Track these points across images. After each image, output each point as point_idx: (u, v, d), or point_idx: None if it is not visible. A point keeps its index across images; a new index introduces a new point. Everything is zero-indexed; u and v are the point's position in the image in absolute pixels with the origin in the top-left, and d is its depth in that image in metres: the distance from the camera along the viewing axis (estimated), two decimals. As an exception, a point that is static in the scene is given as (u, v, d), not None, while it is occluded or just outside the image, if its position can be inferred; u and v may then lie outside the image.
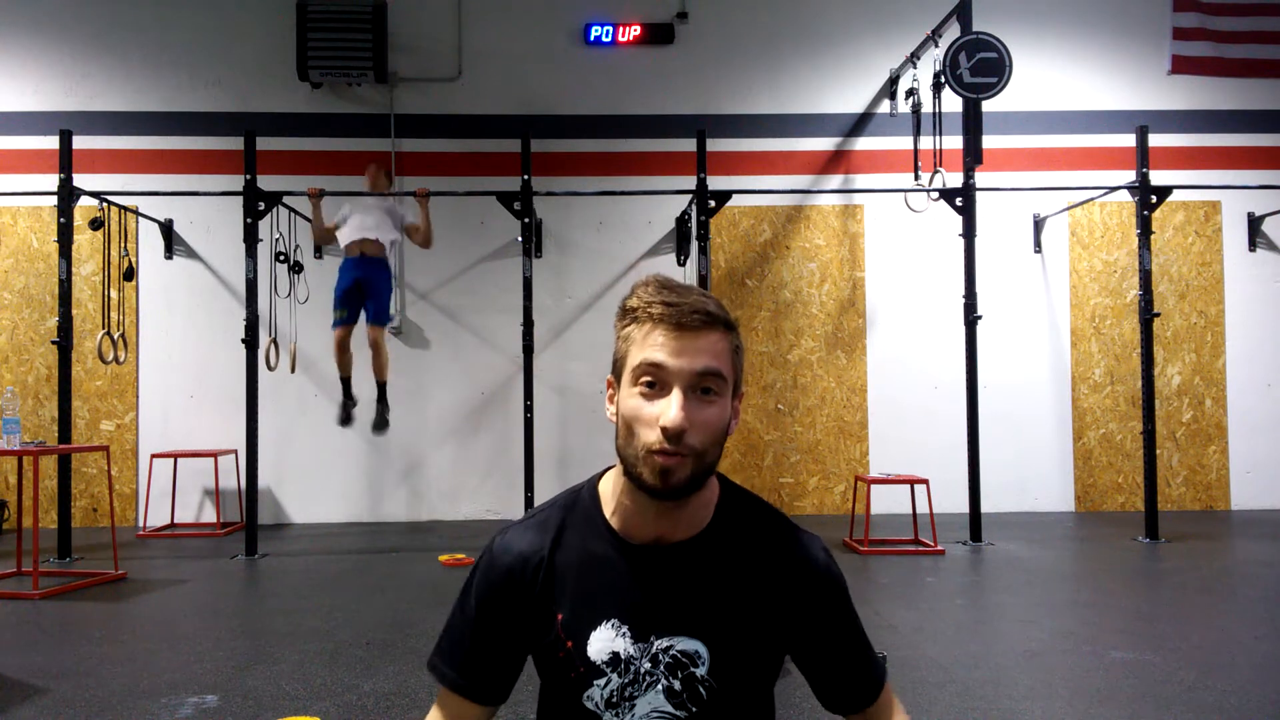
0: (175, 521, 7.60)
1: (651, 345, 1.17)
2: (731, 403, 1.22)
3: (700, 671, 1.21)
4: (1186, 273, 8.15)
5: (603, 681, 1.22)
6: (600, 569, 1.25)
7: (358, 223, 6.48)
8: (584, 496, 1.32)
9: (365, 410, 6.83)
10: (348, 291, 6.41)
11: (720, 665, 1.22)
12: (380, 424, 6.69)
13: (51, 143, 6.63)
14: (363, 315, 6.48)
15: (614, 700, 1.22)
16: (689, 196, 7.15)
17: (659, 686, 1.21)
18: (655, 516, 1.23)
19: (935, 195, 6.85)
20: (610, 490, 1.28)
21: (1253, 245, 8.20)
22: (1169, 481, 8.02)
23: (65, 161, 6.29)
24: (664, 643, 1.22)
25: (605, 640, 1.23)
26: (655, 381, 1.16)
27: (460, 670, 1.30)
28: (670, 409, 1.14)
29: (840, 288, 8.08)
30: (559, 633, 1.24)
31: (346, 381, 6.58)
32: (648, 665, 1.22)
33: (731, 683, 1.22)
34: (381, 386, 6.66)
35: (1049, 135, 8.16)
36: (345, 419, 6.69)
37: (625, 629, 1.23)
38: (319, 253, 7.94)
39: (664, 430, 1.14)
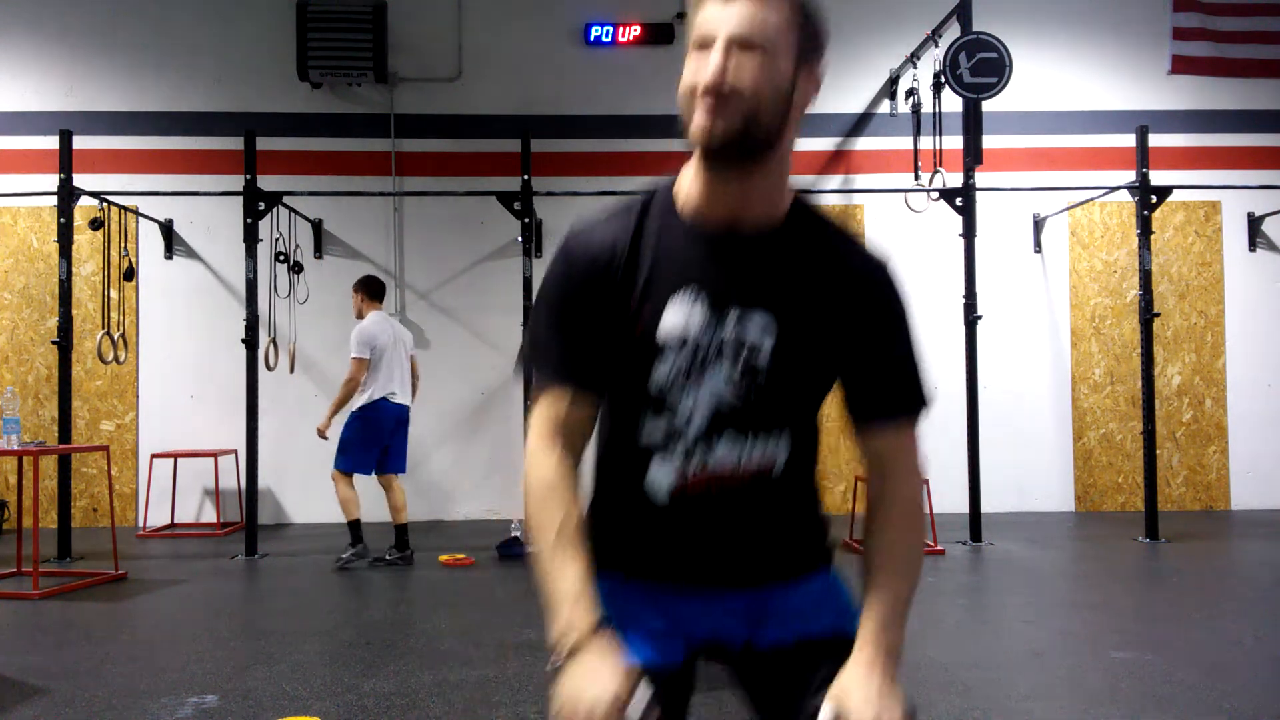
0: (175, 521, 7.60)
1: (700, 14, 1.22)
2: (798, 70, 1.22)
3: (766, 346, 1.24)
4: (1186, 273, 8.15)
5: (670, 359, 1.24)
6: (678, 248, 1.27)
7: (396, 380, 5.99)
8: (661, 188, 1.34)
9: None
10: (375, 440, 5.92)
11: (786, 344, 1.24)
12: (381, 561, 5.82)
13: (51, 143, 6.63)
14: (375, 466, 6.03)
15: (679, 379, 1.25)
16: (689, 196, 7.14)
17: (724, 365, 1.24)
18: (726, 190, 1.25)
19: (935, 195, 6.85)
20: (688, 179, 1.30)
21: (1253, 245, 8.20)
22: (1169, 481, 8.01)
23: (65, 161, 6.28)
24: (736, 315, 1.24)
25: (679, 315, 1.24)
26: (704, 46, 1.21)
27: (559, 363, 1.29)
28: (706, 65, 1.19)
29: (840, 288, 8.08)
30: (635, 309, 1.25)
31: (356, 525, 5.84)
32: (718, 339, 1.24)
33: (794, 365, 1.25)
34: (401, 530, 5.88)
35: (1049, 135, 8.16)
36: (355, 558, 5.83)
37: (700, 302, 1.24)
38: (319, 252, 7.95)
39: (702, 86, 1.20)
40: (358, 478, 5.98)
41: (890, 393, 1.31)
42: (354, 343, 5.95)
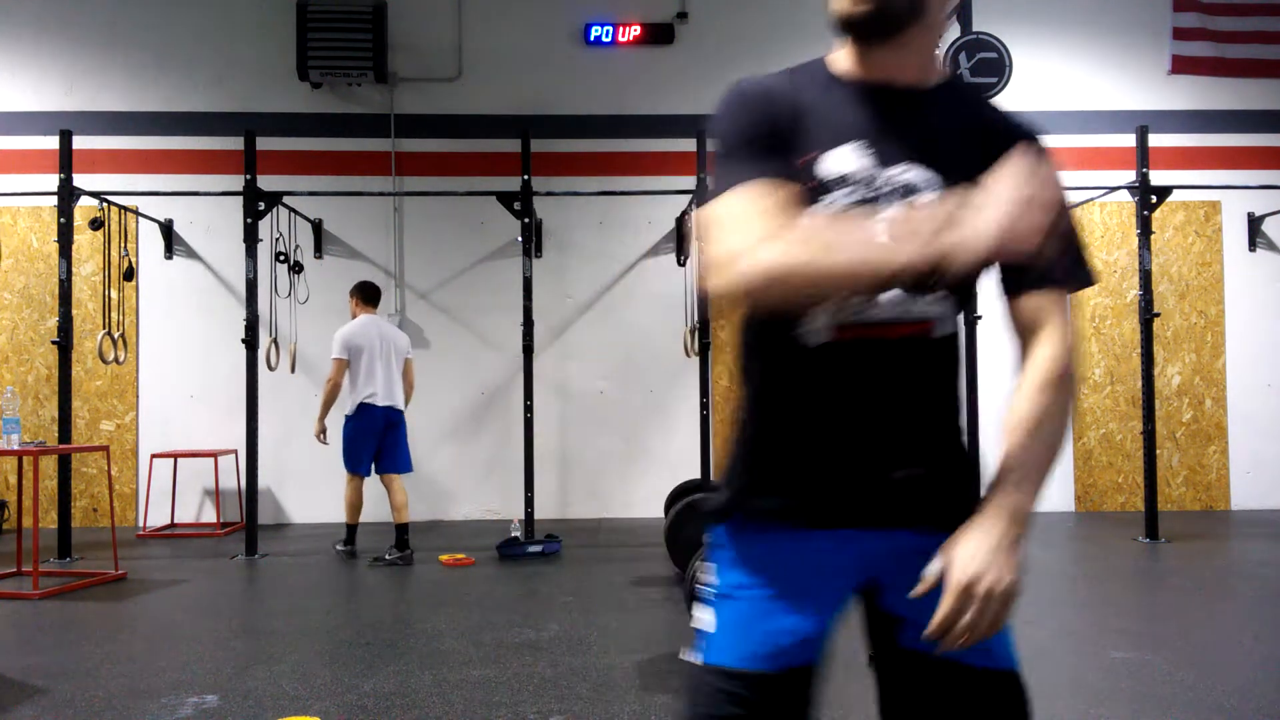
0: (175, 521, 7.60)
1: None
2: None
3: (930, 199, 1.23)
4: (1186, 273, 8.15)
5: (831, 198, 1.22)
6: (837, 105, 1.26)
7: (377, 382, 6.03)
8: (814, 61, 1.33)
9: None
10: (364, 442, 6.05)
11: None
12: (383, 562, 5.88)
13: (51, 143, 6.63)
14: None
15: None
16: (689, 196, 7.15)
17: (887, 211, 1.22)
18: (875, 62, 1.25)
19: (935, 195, 6.84)
20: (839, 54, 1.31)
21: (1253, 245, 8.20)
22: (1169, 481, 8.01)
23: (65, 161, 6.29)
24: (901, 168, 1.23)
25: (845, 158, 1.23)
26: None
27: (762, 162, 1.21)
28: None
29: (840, 288, 8.08)
30: (799, 146, 1.23)
31: (352, 529, 6.17)
32: (881, 188, 1.23)
33: None
34: (401, 530, 5.99)
35: (1048, 135, 8.14)
36: (346, 555, 6.15)
37: (867, 152, 1.23)
38: (319, 252, 7.95)
39: None
40: (369, 480, 6.21)
41: (1045, 261, 1.27)
42: (333, 344, 6.10)
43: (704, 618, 1.29)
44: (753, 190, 1.17)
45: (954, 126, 1.27)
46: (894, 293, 1.21)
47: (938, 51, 1.30)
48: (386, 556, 5.90)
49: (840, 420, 1.24)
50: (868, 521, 1.23)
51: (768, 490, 1.26)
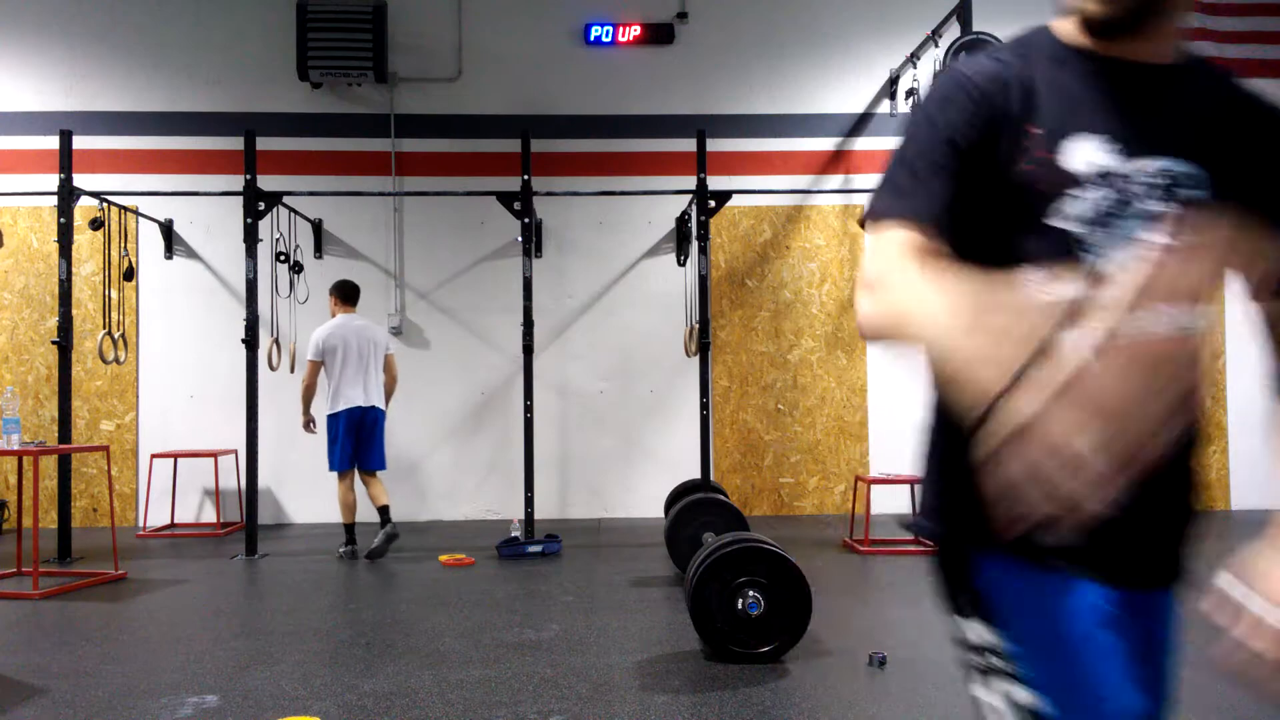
0: (175, 521, 7.60)
1: None
2: None
3: (1194, 197, 1.11)
4: (1186, 273, 8.15)
5: (1081, 193, 1.11)
6: (1076, 78, 1.15)
7: (351, 382, 6.11)
8: (1039, 30, 1.21)
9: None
10: (343, 440, 6.12)
11: (1215, 198, 1.11)
12: (377, 552, 6.02)
13: (51, 143, 6.63)
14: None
15: (1094, 218, 1.11)
16: (689, 196, 7.16)
17: (1145, 213, 1.10)
18: (1116, 43, 1.16)
19: (935, 195, 6.83)
20: (1068, 29, 1.20)
21: (1253, 245, 8.19)
22: (1169, 481, 8.01)
23: (65, 161, 6.29)
24: (1154, 160, 1.12)
25: (1088, 153, 1.12)
26: None
27: (932, 197, 1.12)
28: None
29: (840, 288, 8.08)
30: (1032, 139, 1.12)
31: (349, 528, 6.19)
32: (1133, 186, 1.11)
33: (1217, 225, 1.09)
34: (383, 511, 6.12)
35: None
36: (349, 555, 6.13)
37: (1112, 145, 1.12)
38: (319, 252, 7.95)
39: None
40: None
41: None
42: (308, 346, 6.24)
43: (1019, 694, 1.13)
44: (904, 233, 1.11)
45: (1207, 110, 1.15)
46: (1149, 291, 1.07)
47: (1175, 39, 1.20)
48: (376, 543, 5.97)
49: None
50: (1160, 579, 1.14)
51: (1069, 537, 1.09)
